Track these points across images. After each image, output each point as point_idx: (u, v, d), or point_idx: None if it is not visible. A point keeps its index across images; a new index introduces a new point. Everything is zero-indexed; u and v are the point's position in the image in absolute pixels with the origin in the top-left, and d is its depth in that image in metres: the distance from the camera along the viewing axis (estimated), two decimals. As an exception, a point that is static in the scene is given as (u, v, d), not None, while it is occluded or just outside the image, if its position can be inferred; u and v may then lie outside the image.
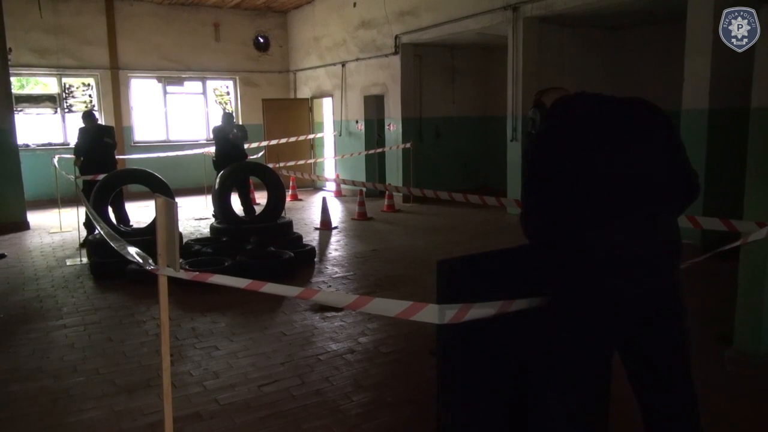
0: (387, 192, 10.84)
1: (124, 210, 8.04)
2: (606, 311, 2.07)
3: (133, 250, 2.96)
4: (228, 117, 9.86)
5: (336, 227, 9.27)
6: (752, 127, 3.64)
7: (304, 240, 7.67)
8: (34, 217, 10.15)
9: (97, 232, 6.71)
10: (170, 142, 14.20)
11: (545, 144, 2.18)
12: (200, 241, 7.35)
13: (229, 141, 9.45)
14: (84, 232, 7.87)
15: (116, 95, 13.47)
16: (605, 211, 2.05)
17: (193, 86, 14.73)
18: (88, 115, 8.39)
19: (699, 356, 2.26)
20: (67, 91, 13.34)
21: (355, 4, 12.52)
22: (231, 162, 8.57)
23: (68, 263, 7.12)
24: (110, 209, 7.43)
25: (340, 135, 13.67)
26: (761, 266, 3.62)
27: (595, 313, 2.08)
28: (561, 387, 2.17)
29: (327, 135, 14.56)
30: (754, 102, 3.64)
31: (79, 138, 8.27)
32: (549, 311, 2.23)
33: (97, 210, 6.49)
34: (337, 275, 6.47)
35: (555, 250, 2.15)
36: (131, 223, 8.14)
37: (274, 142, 13.08)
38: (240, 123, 13.46)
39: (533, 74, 9.33)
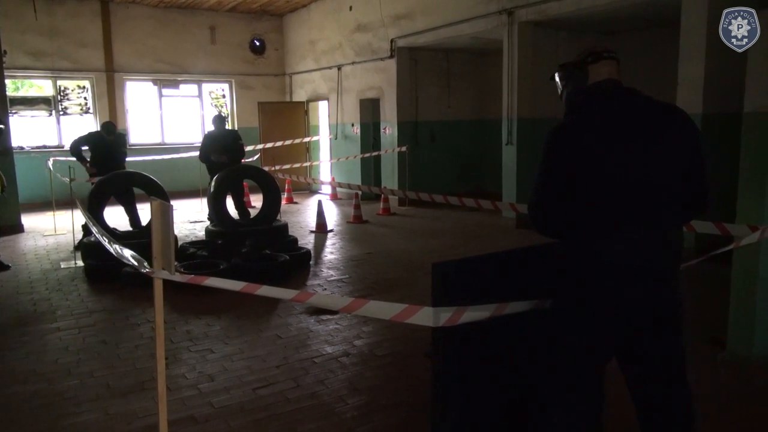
0: (382, 195, 10.84)
1: (136, 211, 8.05)
2: (612, 317, 2.09)
3: (128, 253, 2.96)
4: (220, 120, 9.29)
5: (331, 230, 9.27)
6: (745, 131, 3.66)
7: (299, 243, 7.67)
8: (28, 220, 10.11)
9: (93, 236, 6.70)
10: (166, 145, 14.16)
11: (564, 141, 2.11)
12: (195, 244, 7.34)
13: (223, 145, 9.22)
14: (80, 235, 7.85)
15: (111, 98, 13.45)
16: (617, 218, 2.05)
17: (188, 89, 14.71)
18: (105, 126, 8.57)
19: (692, 359, 2.28)
20: (62, 94, 13.31)
21: (351, 8, 12.54)
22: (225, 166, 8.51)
23: (63, 266, 7.09)
24: (124, 210, 7.70)
25: (335, 138, 13.68)
26: (754, 270, 3.64)
27: (601, 319, 2.10)
28: (563, 391, 2.18)
29: (323, 138, 14.57)
30: (746, 106, 3.66)
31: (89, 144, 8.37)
32: (553, 315, 2.24)
33: (92, 213, 6.47)
34: (332, 278, 6.47)
35: (563, 254, 2.16)
36: (143, 224, 8.16)
37: (269, 145, 13.08)
38: (233, 127, 13.44)
39: (528, 78, 9.36)
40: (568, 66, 2.31)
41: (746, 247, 3.49)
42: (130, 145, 13.74)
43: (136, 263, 2.77)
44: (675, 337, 2.17)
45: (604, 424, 2.42)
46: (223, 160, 8.58)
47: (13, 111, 12.36)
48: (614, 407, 2.86)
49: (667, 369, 2.19)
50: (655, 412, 2.22)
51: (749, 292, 3.68)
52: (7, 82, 10.22)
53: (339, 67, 13.19)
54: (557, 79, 2.38)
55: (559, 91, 2.37)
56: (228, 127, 13.13)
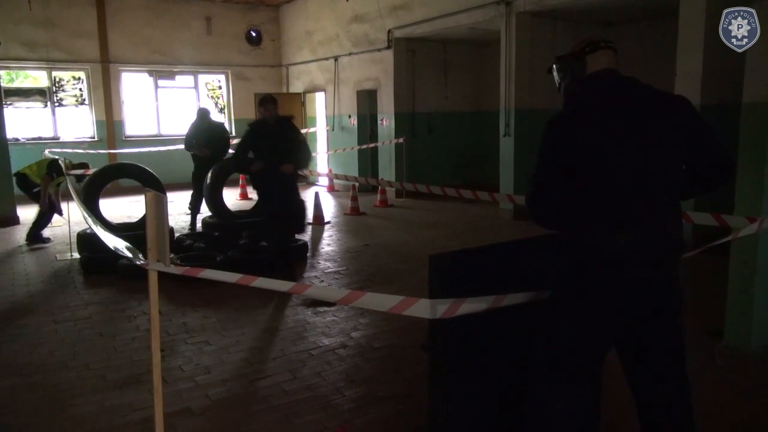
0: (380, 187, 10.82)
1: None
2: (612, 307, 2.08)
3: (122, 245, 2.93)
4: (203, 114, 8.48)
5: (328, 222, 9.25)
6: (743, 122, 3.65)
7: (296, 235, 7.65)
8: (24, 212, 10.04)
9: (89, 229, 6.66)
10: (162, 136, 14.09)
11: (562, 131, 2.09)
12: (192, 235, 7.31)
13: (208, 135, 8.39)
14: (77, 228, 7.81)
15: (107, 89, 13.36)
16: (617, 208, 2.03)
17: (184, 80, 14.64)
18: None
19: (690, 350, 2.28)
20: (57, 85, 13.22)
21: (347, -1, 12.47)
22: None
23: (59, 258, 7.07)
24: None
25: (332, 130, 13.64)
26: (752, 261, 3.64)
27: (600, 309, 2.09)
28: (562, 382, 2.18)
29: (320, 130, 14.52)
30: (745, 98, 3.65)
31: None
32: (553, 306, 2.23)
33: (87, 204, 6.44)
34: (329, 270, 6.46)
35: (564, 244, 2.15)
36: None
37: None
38: (229, 118, 13.19)
39: (526, 69, 9.33)
40: (566, 57, 2.29)
41: (744, 239, 3.49)
42: (126, 137, 13.73)
43: (130, 255, 2.75)
44: (674, 328, 2.17)
45: (603, 414, 2.41)
46: (205, 153, 8.15)
47: (8, 102, 12.28)
48: (613, 398, 2.86)
49: (666, 359, 2.19)
50: (653, 402, 2.22)
51: (747, 284, 3.67)
52: (2, 73, 10.17)
53: (336, 58, 13.13)
54: (555, 71, 2.36)
55: (557, 84, 2.35)
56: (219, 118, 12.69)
